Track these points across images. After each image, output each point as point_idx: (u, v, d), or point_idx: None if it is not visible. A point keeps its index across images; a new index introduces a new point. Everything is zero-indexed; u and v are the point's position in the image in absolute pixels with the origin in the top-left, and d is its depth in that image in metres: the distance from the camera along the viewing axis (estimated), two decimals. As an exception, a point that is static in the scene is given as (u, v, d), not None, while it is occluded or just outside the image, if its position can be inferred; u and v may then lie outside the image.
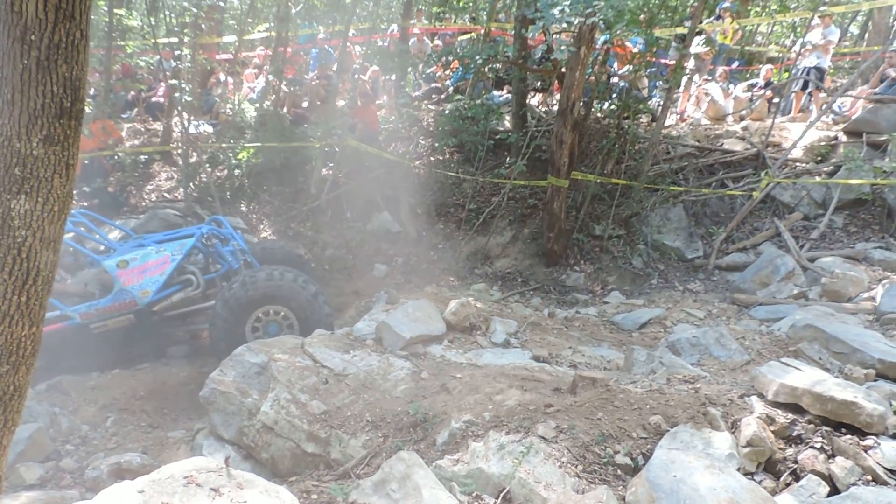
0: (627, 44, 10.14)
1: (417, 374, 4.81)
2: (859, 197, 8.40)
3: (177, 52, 10.58)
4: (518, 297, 8.37)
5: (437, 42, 14.03)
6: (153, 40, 11.83)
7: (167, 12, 11.91)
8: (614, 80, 10.33)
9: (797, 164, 9.27)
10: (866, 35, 14.75)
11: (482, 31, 13.15)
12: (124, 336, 6.52)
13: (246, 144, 10.49)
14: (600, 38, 9.13)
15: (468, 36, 14.40)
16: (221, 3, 11.93)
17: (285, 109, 11.61)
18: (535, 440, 3.54)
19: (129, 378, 6.64)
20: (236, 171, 10.47)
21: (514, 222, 9.76)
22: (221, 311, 6.00)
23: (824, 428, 3.66)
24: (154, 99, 12.75)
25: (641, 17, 7.71)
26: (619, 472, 3.43)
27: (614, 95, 9.86)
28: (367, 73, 12.92)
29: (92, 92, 12.02)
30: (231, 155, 10.47)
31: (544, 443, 3.53)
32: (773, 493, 3.31)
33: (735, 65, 13.63)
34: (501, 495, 3.22)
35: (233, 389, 4.89)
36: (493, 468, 3.38)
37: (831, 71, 11.40)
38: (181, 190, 10.19)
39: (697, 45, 10.65)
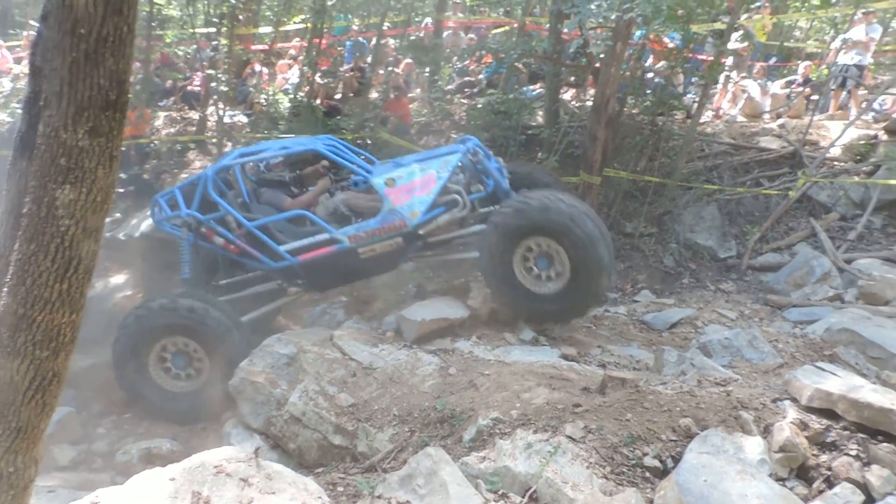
0: (665, 39, 10.00)
1: (445, 370, 4.82)
2: (899, 198, 8.20)
3: (214, 43, 10.70)
4: (547, 293, 8.31)
5: (472, 36, 13.96)
6: (191, 30, 11.96)
7: (205, 2, 12.03)
8: (649, 75, 10.20)
9: (835, 163, 9.07)
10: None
11: (516, 25, 13.06)
12: (387, 263, 5.98)
13: (279, 135, 10.58)
14: (636, 33, 9.02)
15: (502, 29, 14.32)
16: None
17: (319, 101, 11.67)
18: (563, 440, 3.53)
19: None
20: (269, 162, 10.56)
21: (544, 218, 9.68)
22: (492, 236, 5.49)
23: (860, 435, 3.59)
24: (190, 88, 12.91)
25: (680, 12, 7.58)
26: (647, 474, 3.40)
27: (648, 91, 9.73)
28: (401, 66, 12.93)
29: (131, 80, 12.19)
30: (264, 145, 10.56)
31: (572, 443, 3.52)
32: (806, 500, 3.26)
33: (773, 61, 13.37)
34: (528, 494, 3.22)
35: (262, 379, 4.95)
36: (520, 467, 3.38)
37: (871, 68, 11.12)
38: (215, 179, 10.30)
39: (735, 41, 10.46)
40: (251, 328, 5.86)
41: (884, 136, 9.09)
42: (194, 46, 14.20)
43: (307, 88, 11.49)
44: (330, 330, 5.65)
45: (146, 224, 8.40)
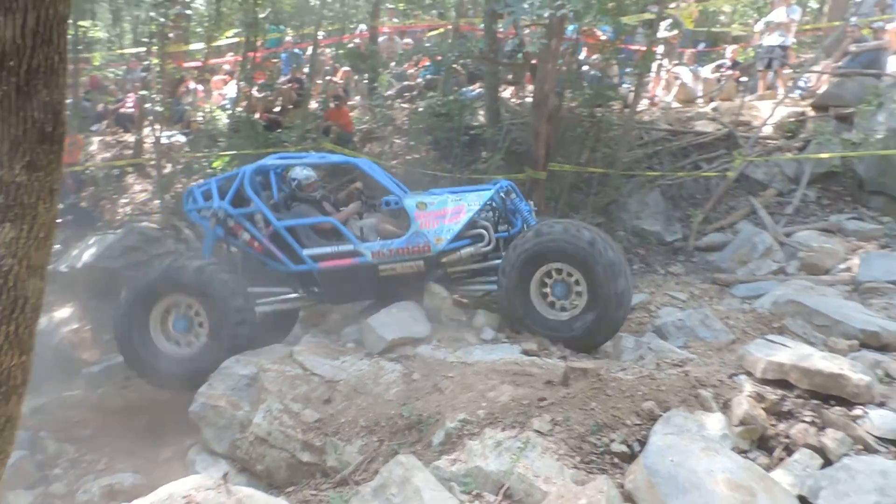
0: (597, 32, 10.18)
1: (409, 376, 4.80)
2: (830, 170, 8.53)
3: (145, 62, 10.44)
4: (502, 290, 8.35)
5: (408, 40, 13.97)
6: (119, 50, 11.64)
7: (133, 21, 11.73)
8: (585, 68, 10.36)
9: (768, 141, 9.38)
10: (825, 9, 14.94)
11: (451, 27, 13.11)
12: (404, 286, 5.90)
13: (220, 153, 10.38)
14: (569, 28, 9.16)
15: (437, 32, 14.36)
16: (188, 11, 11.76)
17: (258, 115, 11.50)
18: (532, 435, 3.56)
19: (115, 396, 6.57)
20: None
21: (493, 216, 9.74)
22: (508, 262, 5.45)
23: (813, 401, 3.74)
24: (123, 110, 12.57)
25: (610, 5, 7.73)
26: (615, 460, 3.46)
27: (585, 84, 9.88)
28: (339, 75, 12.85)
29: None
30: (206, 164, 10.35)
31: (540, 436, 3.55)
32: (768, 468, 3.38)
33: (701, 46, 13.75)
34: (502, 492, 3.24)
35: (223, 403, 4.86)
36: (491, 466, 3.40)
37: (794, 47, 11.55)
38: (156, 202, 10.07)
39: (664, 30, 10.72)
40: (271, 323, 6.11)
41: (811, 113, 9.47)
42: (124, 67, 13.84)
43: (245, 103, 11.31)
44: (289, 346, 5.57)
45: (88, 254, 8.18)
